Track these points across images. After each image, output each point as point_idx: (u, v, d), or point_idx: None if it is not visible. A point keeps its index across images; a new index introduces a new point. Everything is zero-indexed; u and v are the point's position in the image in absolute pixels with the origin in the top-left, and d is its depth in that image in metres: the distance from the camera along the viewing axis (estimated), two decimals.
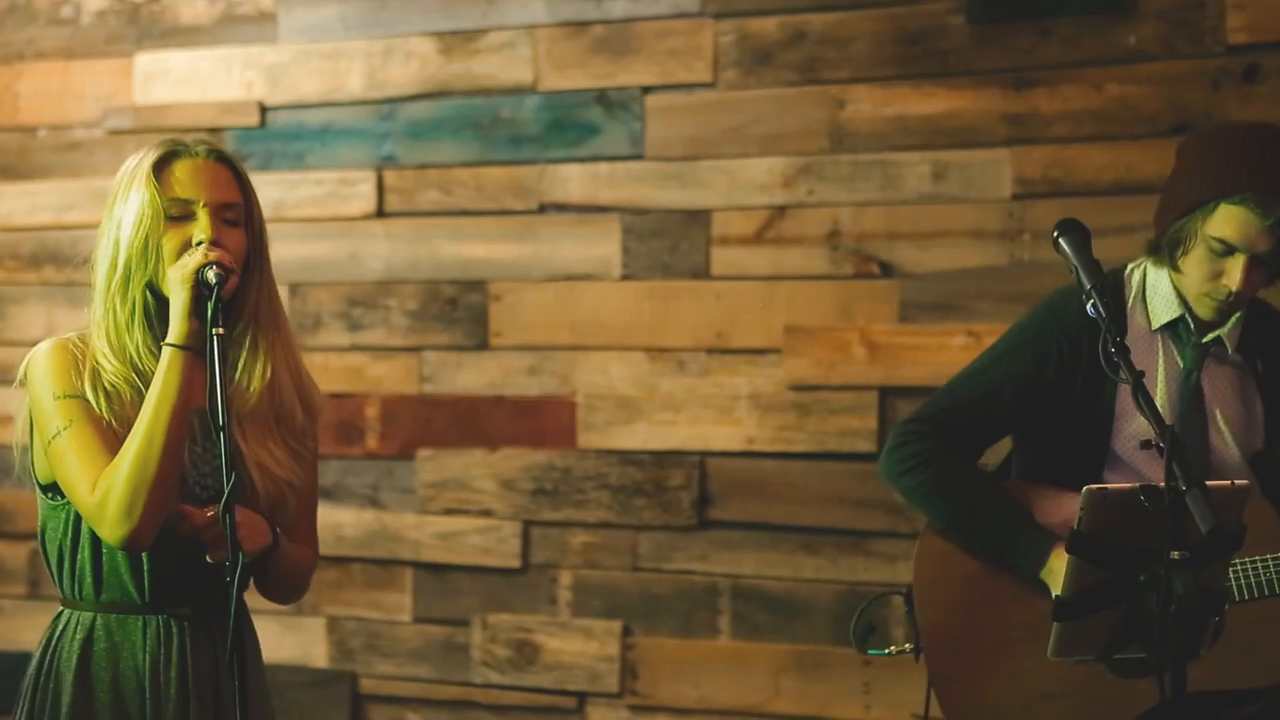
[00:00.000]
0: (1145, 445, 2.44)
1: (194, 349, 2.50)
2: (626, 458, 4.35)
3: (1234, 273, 2.78)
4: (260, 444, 2.63)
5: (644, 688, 4.35)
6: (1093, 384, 2.89)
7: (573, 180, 4.40)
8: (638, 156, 4.34)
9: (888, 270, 4.12)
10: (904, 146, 4.10)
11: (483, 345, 4.49)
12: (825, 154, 4.17)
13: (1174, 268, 2.85)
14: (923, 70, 4.08)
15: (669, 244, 4.32)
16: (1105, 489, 2.44)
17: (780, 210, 4.21)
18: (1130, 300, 2.92)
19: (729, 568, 4.27)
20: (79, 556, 2.62)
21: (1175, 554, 2.31)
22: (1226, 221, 2.78)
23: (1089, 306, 2.62)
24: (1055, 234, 2.76)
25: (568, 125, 4.41)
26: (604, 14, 4.37)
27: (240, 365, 2.63)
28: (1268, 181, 2.78)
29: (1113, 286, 2.92)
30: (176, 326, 2.51)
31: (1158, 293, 2.91)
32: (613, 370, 4.36)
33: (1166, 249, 2.86)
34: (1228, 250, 2.78)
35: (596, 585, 4.39)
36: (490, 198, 4.48)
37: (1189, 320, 2.87)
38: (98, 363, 2.57)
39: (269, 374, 2.63)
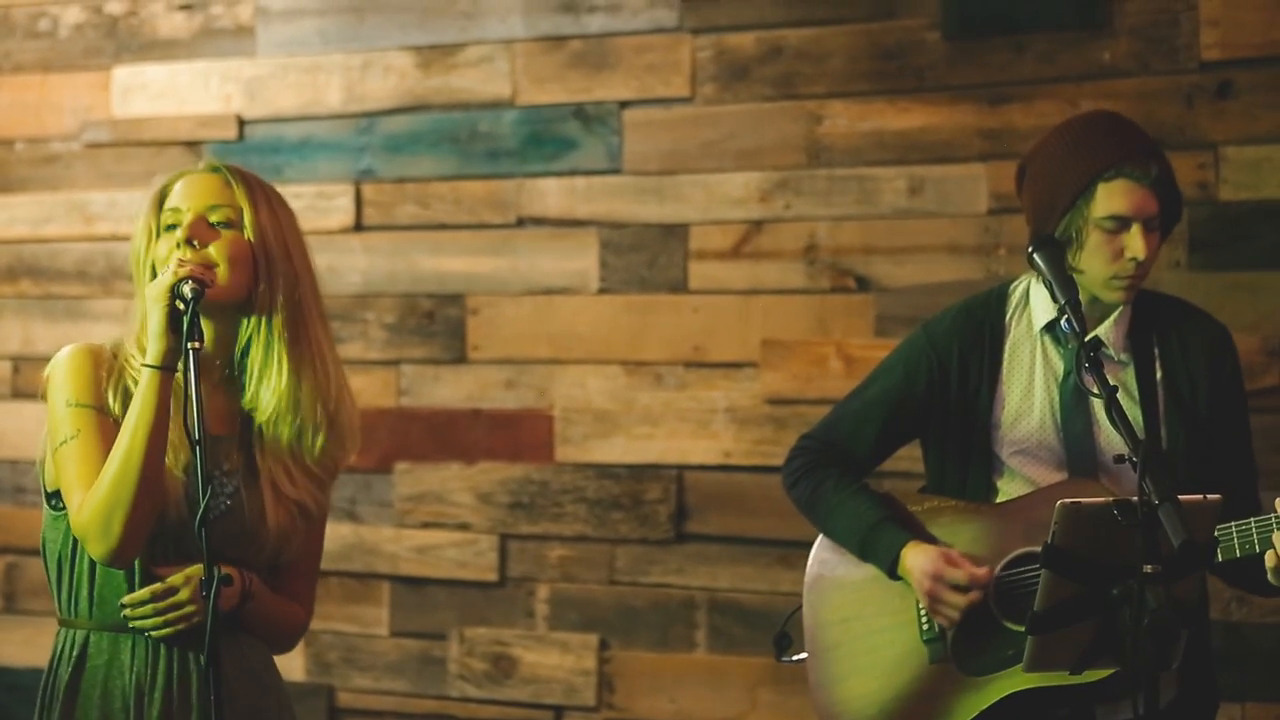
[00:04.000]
0: (1119, 460, 2.45)
1: (171, 368, 2.50)
2: (604, 471, 4.36)
3: (1135, 243, 2.82)
4: (276, 460, 2.62)
5: (621, 701, 4.35)
6: (967, 395, 2.96)
7: (550, 194, 4.41)
8: (615, 171, 4.35)
9: (864, 284, 4.14)
10: (880, 161, 4.12)
11: (460, 359, 4.50)
12: (802, 169, 4.18)
13: (1071, 267, 2.85)
14: (899, 86, 4.10)
15: (646, 258, 4.33)
16: (1079, 503, 2.45)
17: (757, 225, 4.23)
18: (1010, 311, 2.99)
19: (706, 581, 4.27)
20: (76, 569, 2.63)
21: (1148, 568, 2.33)
22: (1110, 197, 2.82)
23: (1062, 321, 2.66)
24: (1030, 249, 2.79)
25: (545, 139, 4.42)
26: (582, 29, 4.39)
27: (255, 374, 2.63)
28: (1131, 148, 2.85)
29: (996, 301, 3.01)
30: (153, 346, 2.51)
31: (1037, 299, 2.96)
32: (590, 384, 4.37)
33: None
34: (1121, 224, 2.83)
35: (573, 599, 4.39)
36: (468, 211, 4.49)
37: (1070, 322, 2.89)
38: (127, 365, 2.59)
39: (284, 385, 2.61)
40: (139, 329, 2.60)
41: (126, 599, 2.56)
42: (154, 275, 2.59)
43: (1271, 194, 3.80)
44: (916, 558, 2.89)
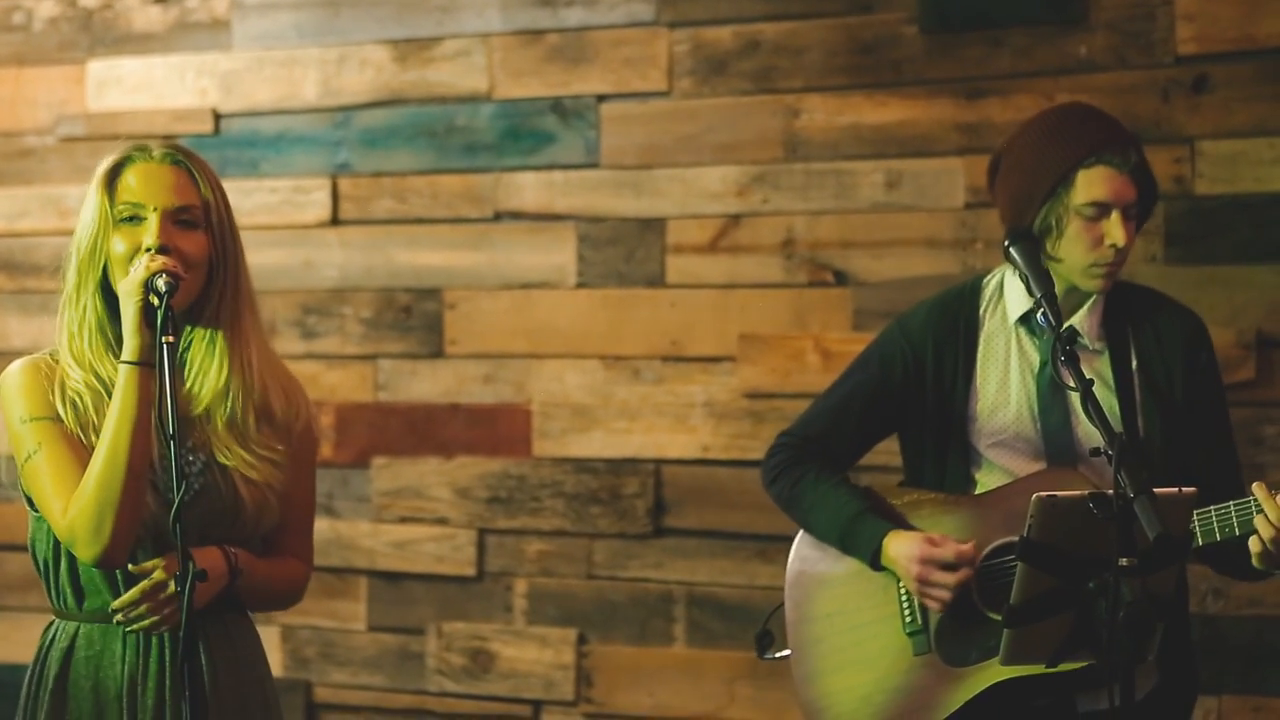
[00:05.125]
0: (1094, 453, 2.46)
1: (150, 363, 2.50)
2: (582, 466, 4.36)
3: (1115, 229, 2.84)
4: (228, 448, 2.63)
5: (599, 695, 4.35)
6: (943, 388, 2.97)
7: (528, 188, 4.40)
8: (593, 165, 4.35)
9: (841, 279, 4.14)
10: (857, 155, 4.12)
11: (438, 353, 4.49)
12: (779, 163, 4.18)
13: (1049, 256, 2.87)
14: (876, 80, 4.10)
15: (624, 252, 4.32)
16: (1055, 496, 2.46)
17: (735, 219, 4.22)
18: (985, 304, 3.00)
19: (684, 575, 4.27)
20: (60, 568, 2.62)
21: (1123, 560, 2.33)
22: (1090, 184, 2.84)
23: (1038, 315, 2.67)
24: (1006, 243, 2.80)
25: (523, 133, 4.41)
26: (559, 22, 4.38)
27: (195, 368, 2.63)
28: (1108, 136, 2.87)
29: (970, 294, 3.01)
30: (129, 342, 2.50)
31: (1012, 291, 2.96)
32: (568, 378, 4.37)
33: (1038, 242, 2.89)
34: (1101, 211, 2.84)
35: (552, 593, 4.39)
36: (445, 206, 4.48)
37: (1047, 315, 2.89)
38: (65, 373, 2.59)
39: (224, 378, 2.62)
40: (76, 328, 2.60)
41: (117, 604, 2.56)
42: (105, 264, 2.58)
43: (1247, 188, 3.81)
44: (900, 545, 2.89)
